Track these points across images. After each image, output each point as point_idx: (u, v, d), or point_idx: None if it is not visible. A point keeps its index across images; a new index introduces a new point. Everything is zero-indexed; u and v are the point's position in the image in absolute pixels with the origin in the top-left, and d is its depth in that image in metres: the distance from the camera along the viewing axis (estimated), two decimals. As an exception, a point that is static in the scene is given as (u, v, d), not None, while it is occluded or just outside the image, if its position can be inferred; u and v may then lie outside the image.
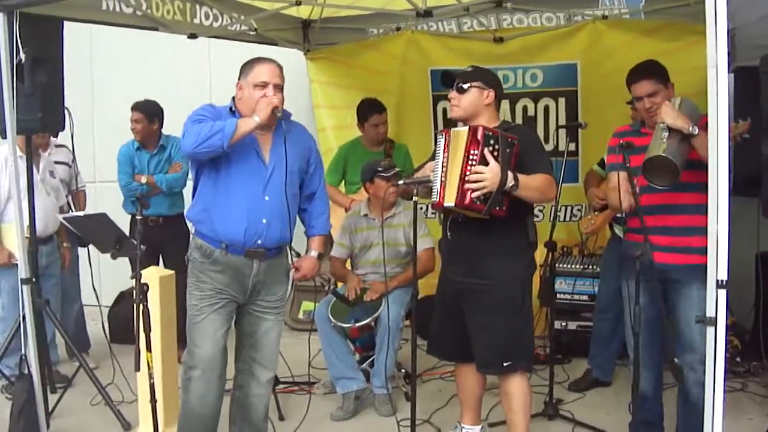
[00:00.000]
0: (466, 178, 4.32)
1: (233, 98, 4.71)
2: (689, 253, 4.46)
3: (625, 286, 4.56)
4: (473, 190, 4.30)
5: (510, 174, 4.33)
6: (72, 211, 7.09)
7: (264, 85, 4.56)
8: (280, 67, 4.70)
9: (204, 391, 4.64)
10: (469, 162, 4.34)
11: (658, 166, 4.26)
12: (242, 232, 4.57)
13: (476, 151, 4.33)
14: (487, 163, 4.31)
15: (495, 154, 4.33)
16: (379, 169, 6.27)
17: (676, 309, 4.61)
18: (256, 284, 4.72)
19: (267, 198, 4.60)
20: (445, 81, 4.83)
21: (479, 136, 4.33)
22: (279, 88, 4.61)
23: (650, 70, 4.78)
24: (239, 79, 4.67)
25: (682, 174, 4.24)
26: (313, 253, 5.06)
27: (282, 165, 4.59)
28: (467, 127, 4.43)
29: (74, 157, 6.96)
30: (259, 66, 4.62)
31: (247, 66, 4.66)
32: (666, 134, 4.27)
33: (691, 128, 4.22)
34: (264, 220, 4.60)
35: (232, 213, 4.55)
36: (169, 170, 7.40)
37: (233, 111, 4.65)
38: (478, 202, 4.33)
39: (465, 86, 4.67)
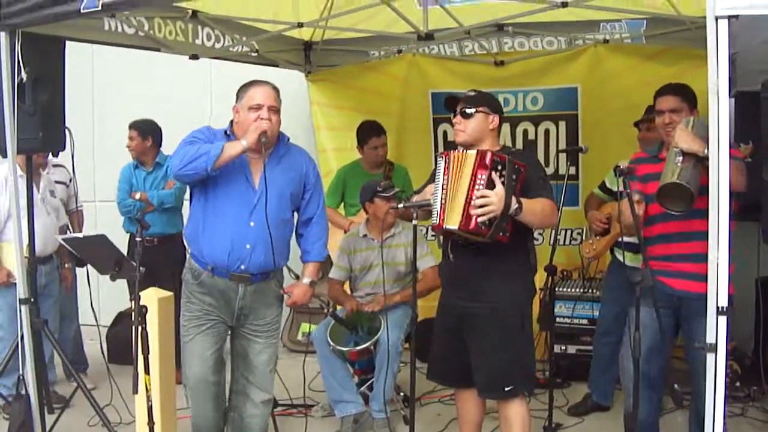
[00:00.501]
0: (472, 202, 4.31)
1: (231, 121, 4.72)
2: (703, 281, 4.44)
3: (633, 312, 4.55)
4: (479, 215, 4.29)
5: (513, 198, 4.33)
6: (69, 231, 7.09)
7: (258, 107, 4.56)
8: (276, 90, 4.71)
9: (198, 408, 4.71)
10: (476, 186, 4.32)
11: (673, 192, 4.24)
12: (226, 256, 4.60)
13: (483, 176, 4.31)
14: (493, 187, 4.31)
15: (502, 179, 4.33)
16: (379, 189, 6.26)
17: (692, 337, 4.57)
18: (242, 308, 4.74)
19: (252, 224, 4.60)
20: (449, 105, 4.82)
21: (487, 161, 4.32)
22: (274, 110, 4.61)
23: (679, 89, 4.80)
24: (236, 102, 4.67)
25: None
26: (306, 281, 5.04)
27: (271, 190, 4.57)
28: (475, 151, 4.41)
29: (73, 177, 6.97)
30: (254, 89, 4.64)
31: (243, 89, 4.68)
32: (680, 159, 4.24)
33: (706, 151, 4.19)
34: (248, 245, 4.61)
35: (216, 236, 4.58)
36: (164, 187, 7.40)
37: (228, 134, 4.66)
38: (483, 227, 4.31)
39: (470, 111, 4.67)
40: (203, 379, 4.67)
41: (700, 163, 4.23)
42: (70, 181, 7.34)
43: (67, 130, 5.68)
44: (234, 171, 4.56)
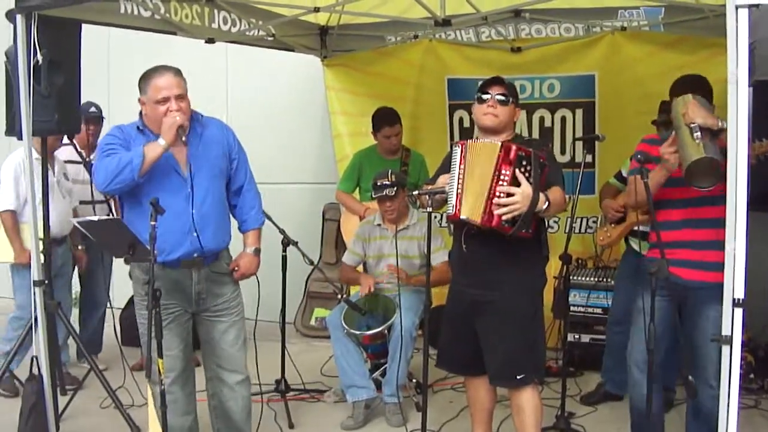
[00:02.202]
0: (495, 200, 4.29)
1: (140, 113, 4.65)
2: (711, 269, 4.42)
3: (641, 301, 4.52)
4: (503, 213, 4.27)
5: (542, 195, 4.32)
6: (112, 215, 7.11)
7: (165, 100, 4.49)
8: (178, 72, 4.64)
9: (171, 404, 4.59)
10: (500, 181, 4.30)
11: (703, 168, 4.20)
12: (177, 251, 4.56)
13: (508, 171, 4.29)
14: (518, 184, 4.28)
15: (527, 175, 4.30)
16: (377, 184, 6.28)
17: (696, 326, 4.56)
18: (199, 292, 4.71)
19: (194, 211, 4.56)
20: (487, 83, 4.71)
21: (512, 156, 4.28)
22: (181, 97, 4.54)
23: (703, 83, 4.78)
24: (140, 94, 4.58)
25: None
26: (249, 249, 5.00)
27: (201, 172, 4.56)
28: (499, 143, 4.37)
29: (83, 157, 7.01)
30: (156, 79, 4.54)
31: (144, 80, 4.58)
32: (698, 134, 4.20)
33: (720, 123, 4.16)
34: (194, 233, 4.57)
35: (163, 233, 4.35)
36: None
37: (141, 129, 4.59)
38: (506, 225, 4.30)
39: (507, 100, 4.65)
40: (173, 370, 4.66)
41: (716, 136, 4.20)
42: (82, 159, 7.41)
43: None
44: (160, 167, 4.48)
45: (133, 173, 4.32)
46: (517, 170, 4.28)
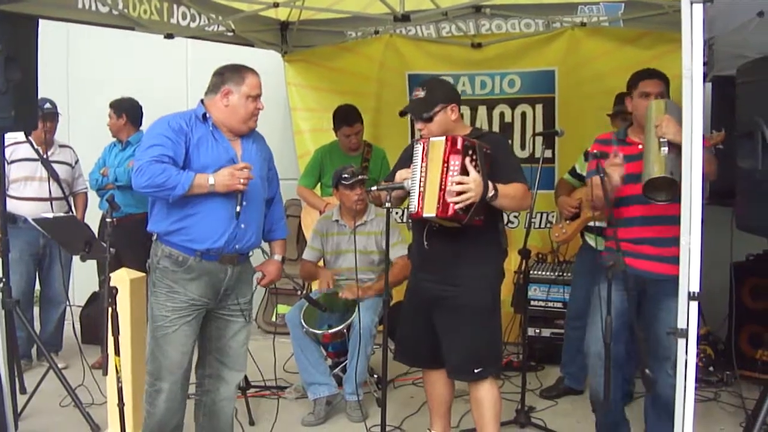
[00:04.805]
0: (448, 189, 4.30)
1: (202, 101, 4.62)
2: (671, 263, 4.47)
3: (596, 295, 4.54)
4: (457, 202, 4.28)
5: (490, 184, 4.33)
6: (72, 212, 7.07)
7: (257, 97, 4.57)
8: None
9: (172, 402, 4.60)
10: (450, 172, 4.32)
11: (661, 185, 4.27)
12: (223, 239, 4.51)
13: (457, 162, 4.31)
14: (467, 173, 4.30)
15: (474, 164, 4.32)
16: (345, 176, 6.25)
17: (657, 318, 4.60)
18: (227, 288, 4.67)
19: (244, 204, 4.52)
20: (406, 114, 4.84)
21: (459, 146, 4.31)
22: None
23: (662, 75, 4.80)
24: (225, 83, 4.54)
25: None
26: (277, 257, 5.06)
27: (252, 170, 4.52)
28: (444, 137, 4.40)
29: (78, 159, 6.96)
30: (252, 76, 4.58)
31: (236, 73, 4.58)
32: (666, 149, 4.25)
33: None
34: (243, 225, 4.56)
35: (212, 221, 4.46)
36: (128, 166, 7.18)
37: (206, 117, 4.55)
38: (460, 213, 4.31)
39: (429, 115, 4.65)
40: (182, 367, 4.59)
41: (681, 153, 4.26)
42: (76, 162, 7.41)
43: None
44: (219, 156, 4.50)
45: (169, 197, 4.30)
46: (465, 158, 4.31)
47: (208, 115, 4.56)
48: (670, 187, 4.26)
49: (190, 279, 4.51)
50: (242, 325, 4.83)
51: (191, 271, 4.49)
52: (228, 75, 4.56)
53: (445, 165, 4.32)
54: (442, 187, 4.32)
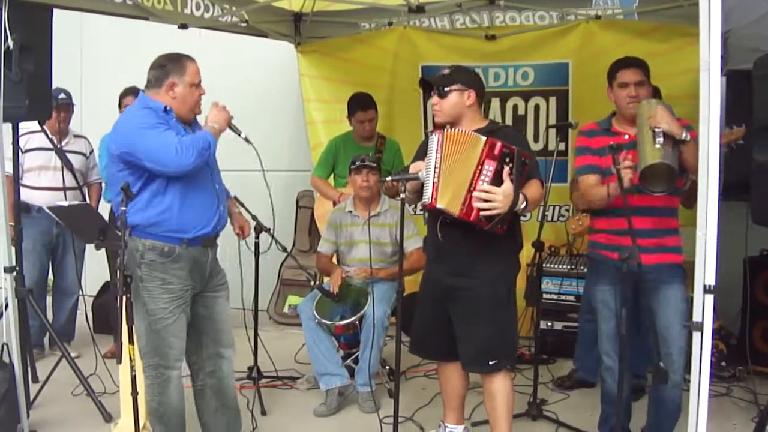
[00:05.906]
0: (475, 193, 4.29)
1: (143, 94, 4.66)
2: (665, 252, 4.47)
3: (597, 293, 4.56)
4: (483, 209, 4.28)
5: (521, 195, 4.34)
6: (86, 201, 7.09)
7: (199, 84, 4.66)
8: None
9: (180, 387, 4.67)
10: (482, 176, 4.30)
11: (659, 173, 4.24)
12: (212, 223, 4.66)
13: (491, 167, 4.29)
14: (500, 182, 4.28)
15: (509, 172, 4.30)
16: (357, 162, 6.29)
17: (658, 311, 4.59)
18: (211, 270, 4.77)
19: (217, 186, 4.73)
20: (425, 88, 4.81)
21: (497, 152, 4.28)
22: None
23: (640, 62, 4.77)
24: (168, 76, 4.56)
25: None
26: (236, 209, 5.34)
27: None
28: (483, 138, 4.35)
29: (92, 150, 6.96)
30: (191, 64, 4.66)
31: (177, 63, 4.62)
32: (661, 140, 4.23)
33: (684, 135, 4.21)
34: (221, 207, 4.75)
35: (200, 207, 4.60)
36: None
37: (167, 110, 4.56)
38: (483, 220, 4.31)
39: (445, 89, 4.63)
40: (184, 351, 4.67)
41: (677, 145, 4.25)
42: (91, 152, 7.41)
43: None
44: None
45: (209, 154, 4.52)
46: (500, 167, 4.28)
47: (168, 108, 4.58)
48: (668, 177, 4.25)
49: (180, 267, 4.55)
50: (224, 297, 4.93)
51: (180, 259, 4.54)
52: (170, 67, 4.61)
53: (479, 167, 4.29)
54: (471, 189, 4.31)
